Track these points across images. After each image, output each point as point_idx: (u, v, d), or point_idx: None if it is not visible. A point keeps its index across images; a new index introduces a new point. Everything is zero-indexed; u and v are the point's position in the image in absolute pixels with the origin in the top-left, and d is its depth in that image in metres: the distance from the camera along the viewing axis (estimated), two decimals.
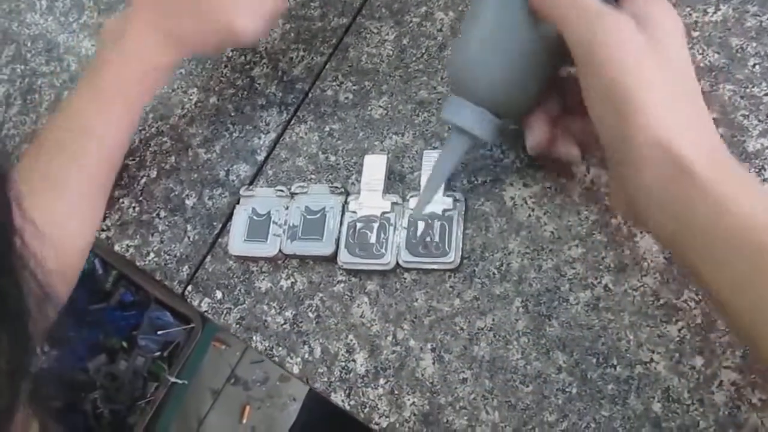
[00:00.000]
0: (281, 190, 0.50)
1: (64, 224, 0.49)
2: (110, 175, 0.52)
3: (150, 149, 0.57)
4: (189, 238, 0.53)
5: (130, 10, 0.49)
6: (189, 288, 0.51)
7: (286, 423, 1.45)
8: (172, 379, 1.24)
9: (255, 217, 0.50)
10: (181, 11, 0.48)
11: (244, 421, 1.47)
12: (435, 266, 0.44)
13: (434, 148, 0.48)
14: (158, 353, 1.28)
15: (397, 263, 0.45)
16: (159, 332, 1.28)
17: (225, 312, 0.49)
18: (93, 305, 1.32)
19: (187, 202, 0.54)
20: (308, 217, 0.48)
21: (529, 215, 0.44)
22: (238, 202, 0.51)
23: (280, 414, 1.46)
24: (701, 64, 0.45)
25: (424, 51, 0.52)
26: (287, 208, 0.49)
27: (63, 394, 1.26)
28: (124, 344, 1.30)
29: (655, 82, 0.33)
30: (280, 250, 0.48)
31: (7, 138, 0.64)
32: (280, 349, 0.47)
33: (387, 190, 0.47)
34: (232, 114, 0.56)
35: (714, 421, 0.37)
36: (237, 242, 0.49)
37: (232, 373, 1.51)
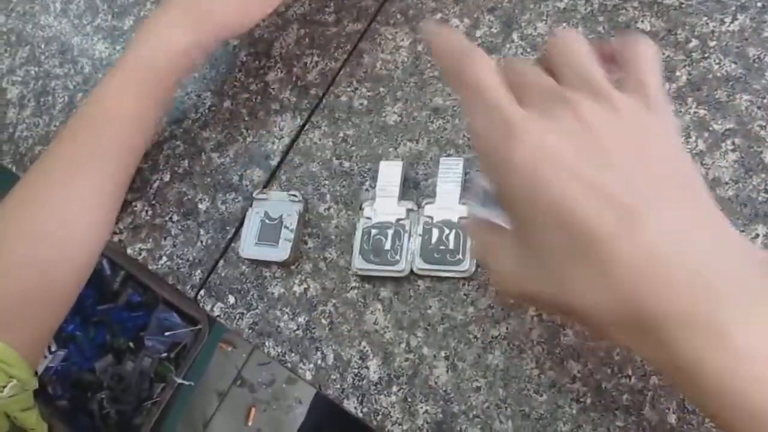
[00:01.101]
0: (294, 195, 0.50)
1: (78, 222, 0.49)
2: (129, 171, 0.52)
3: (163, 153, 0.57)
4: (202, 242, 0.53)
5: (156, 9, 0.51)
6: (201, 292, 0.51)
7: (292, 426, 1.45)
8: (179, 381, 1.24)
9: (267, 221, 0.50)
10: None
11: (250, 423, 1.47)
12: (449, 274, 0.44)
13: (449, 155, 0.48)
14: (165, 354, 1.29)
15: (412, 270, 0.45)
16: (166, 333, 1.28)
17: (237, 317, 0.49)
18: (100, 305, 1.32)
19: (200, 206, 0.54)
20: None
21: None
22: (251, 205, 0.51)
23: (285, 417, 1.46)
24: (718, 74, 0.45)
25: None
26: (299, 213, 0.49)
27: (70, 394, 1.27)
28: (131, 345, 1.31)
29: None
30: (291, 254, 0.48)
31: (20, 140, 0.64)
32: (293, 355, 0.47)
33: (402, 196, 0.47)
34: (246, 118, 0.56)
35: None
36: (248, 245, 0.49)
37: (238, 375, 1.51)
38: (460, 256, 0.44)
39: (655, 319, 0.25)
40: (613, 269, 0.26)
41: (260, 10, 0.50)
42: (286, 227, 0.49)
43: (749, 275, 0.26)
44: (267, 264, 0.50)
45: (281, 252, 0.48)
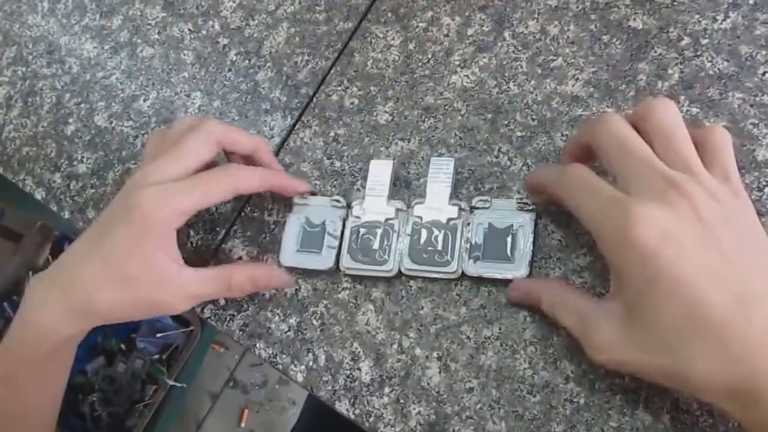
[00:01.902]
0: (337, 200, 0.48)
1: None
2: None
3: None
4: (192, 243, 0.52)
5: (33, 280, 0.45)
6: None
7: (285, 427, 1.45)
8: (171, 382, 1.24)
9: (308, 228, 0.48)
10: (94, 283, 0.42)
11: (243, 424, 1.47)
12: (437, 275, 0.44)
13: (440, 154, 0.48)
14: (157, 356, 1.28)
15: (400, 270, 0.44)
16: (158, 335, 1.27)
17: (228, 318, 0.49)
18: None
19: None
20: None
21: (537, 223, 0.44)
22: (290, 211, 0.49)
23: (279, 418, 1.46)
24: (710, 72, 0.44)
25: (430, 56, 0.52)
26: (343, 219, 0.47)
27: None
28: (123, 346, 1.30)
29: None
30: (335, 262, 0.46)
31: (7, 141, 0.63)
32: (284, 356, 0.46)
33: (392, 196, 0.47)
34: (236, 118, 0.56)
35: None
36: (289, 253, 0.48)
37: (230, 377, 1.50)
38: (448, 257, 0.43)
39: (762, 389, 0.29)
40: (729, 346, 0.30)
41: (141, 317, 0.45)
42: (329, 234, 0.47)
43: None
44: (305, 271, 0.48)
45: (325, 260, 0.47)
